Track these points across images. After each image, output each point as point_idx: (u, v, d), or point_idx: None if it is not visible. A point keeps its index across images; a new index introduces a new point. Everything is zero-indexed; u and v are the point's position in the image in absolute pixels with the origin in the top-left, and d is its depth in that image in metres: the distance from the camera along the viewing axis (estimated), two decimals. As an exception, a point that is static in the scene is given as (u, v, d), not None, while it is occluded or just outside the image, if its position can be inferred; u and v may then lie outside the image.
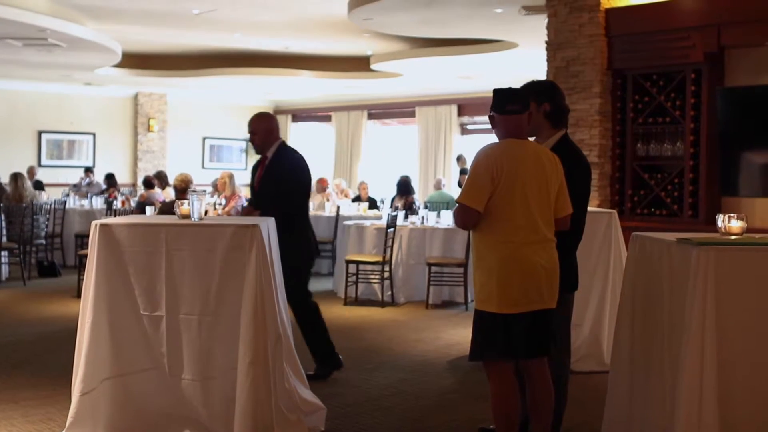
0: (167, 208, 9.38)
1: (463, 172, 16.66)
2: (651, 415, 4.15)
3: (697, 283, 3.72)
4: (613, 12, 9.26)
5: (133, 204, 13.10)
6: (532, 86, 4.97)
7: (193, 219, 5.00)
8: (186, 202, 5.09)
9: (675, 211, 8.96)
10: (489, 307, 4.33)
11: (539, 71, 10.22)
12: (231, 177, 12.24)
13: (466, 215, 4.37)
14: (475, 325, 4.43)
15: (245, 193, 12.85)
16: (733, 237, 4.11)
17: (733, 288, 3.72)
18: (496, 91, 4.48)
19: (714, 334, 3.70)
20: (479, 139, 18.25)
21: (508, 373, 4.41)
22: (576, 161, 4.82)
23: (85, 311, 4.70)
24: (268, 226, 5.07)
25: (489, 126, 4.59)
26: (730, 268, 3.74)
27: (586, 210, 4.96)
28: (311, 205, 13.95)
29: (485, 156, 4.37)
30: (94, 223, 4.82)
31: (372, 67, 15.58)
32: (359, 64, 16.11)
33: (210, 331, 4.76)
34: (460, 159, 17.92)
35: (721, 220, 4.24)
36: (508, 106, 4.41)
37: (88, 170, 17.92)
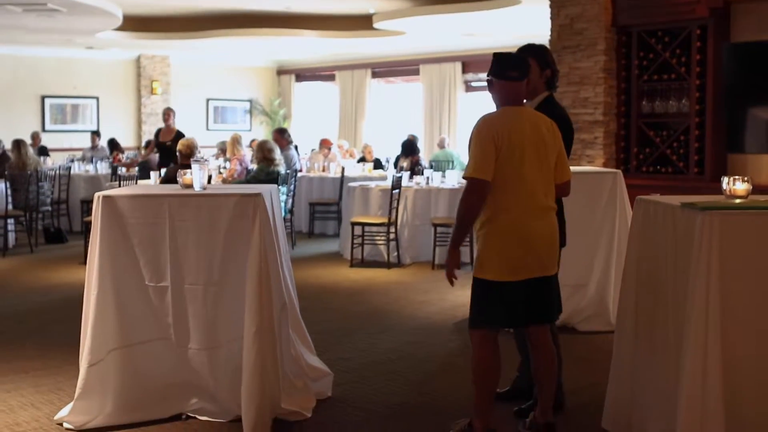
0: (172, 175, 9.37)
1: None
2: (656, 377, 4.16)
3: (702, 248, 3.70)
4: (617, -32, 9.17)
5: (136, 170, 13.10)
6: (536, 51, 4.96)
7: (195, 189, 4.99)
8: (189, 171, 5.07)
9: (681, 168, 8.93)
10: (487, 274, 4.31)
11: (543, 28, 10.15)
12: (234, 139, 12.21)
13: (481, 191, 4.23)
14: (474, 293, 4.41)
15: (249, 154, 12.85)
16: (737, 200, 4.09)
17: (737, 252, 3.71)
18: (497, 56, 4.42)
19: (718, 298, 3.70)
20: (484, 96, 18.14)
21: (492, 339, 4.39)
22: (560, 121, 4.82)
23: (91, 283, 4.71)
24: (271, 193, 5.06)
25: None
26: (735, 232, 3.72)
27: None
28: (314, 165, 13.97)
29: (486, 125, 4.32)
30: (96, 194, 4.80)
31: (375, 25, 15.44)
32: (362, 22, 15.97)
33: (215, 301, 4.76)
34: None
35: (725, 183, 4.22)
36: (509, 73, 4.36)
37: (95, 134, 17.85)
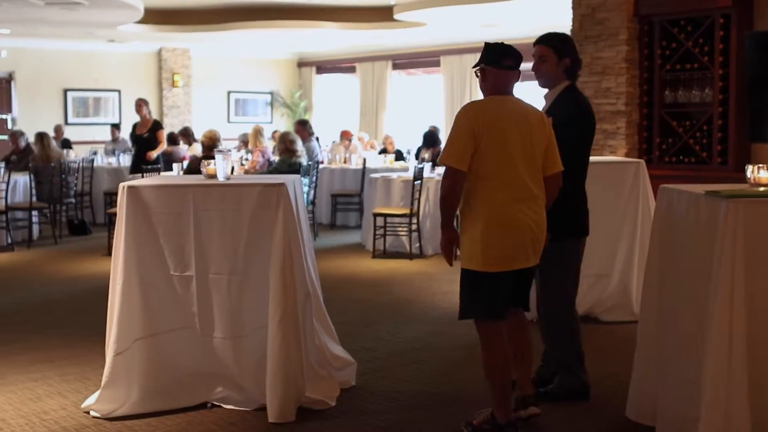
0: (195, 165, 9.42)
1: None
2: (680, 366, 4.15)
3: (726, 236, 3.69)
4: (639, -44, 9.12)
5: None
6: (553, 39, 4.98)
7: (219, 179, 5.02)
8: (212, 161, 5.10)
9: (704, 158, 8.89)
10: (474, 265, 4.29)
11: (564, 18, 10.11)
12: (256, 131, 12.24)
13: (454, 178, 4.24)
14: (462, 284, 4.40)
15: (271, 146, 12.89)
16: (762, 188, 4.07)
17: (762, 240, 3.69)
18: (490, 45, 4.43)
19: (743, 286, 3.69)
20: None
21: (497, 328, 4.40)
22: (576, 109, 4.86)
23: (116, 273, 4.75)
24: (294, 183, 5.08)
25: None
26: (760, 220, 3.70)
27: (585, 152, 4.95)
28: (335, 157, 13.98)
29: (466, 114, 4.31)
30: (121, 185, 4.85)
31: (395, 17, 15.44)
32: (383, 14, 15.97)
33: (240, 290, 4.80)
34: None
35: (750, 171, 4.21)
36: (505, 61, 4.37)
37: (115, 127, 17.93)
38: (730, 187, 4.17)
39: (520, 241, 4.26)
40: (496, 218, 4.24)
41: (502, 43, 4.46)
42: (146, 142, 12.49)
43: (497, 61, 4.37)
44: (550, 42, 4.95)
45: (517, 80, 4.44)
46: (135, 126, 13.05)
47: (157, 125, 12.69)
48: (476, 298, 4.33)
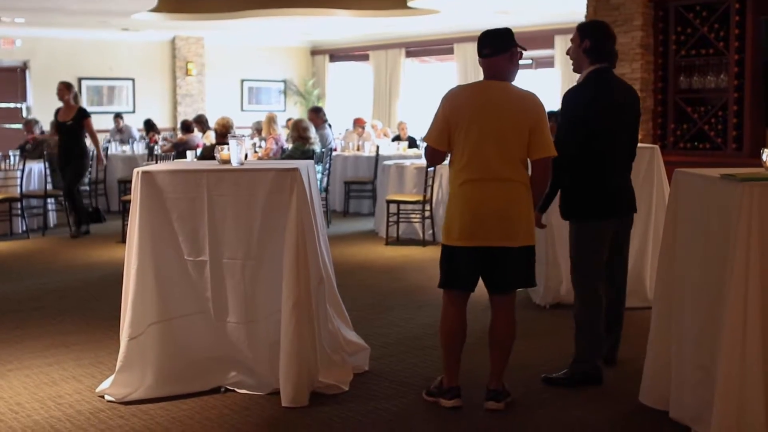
0: (208, 153, 9.43)
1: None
2: (693, 352, 4.14)
3: (741, 219, 3.68)
4: (654, -59, 9.06)
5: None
6: (586, 22, 5.25)
7: (233, 164, 5.03)
8: (226, 147, 5.11)
9: (719, 144, 8.84)
10: (442, 238, 4.64)
11: (578, 5, 10.06)
12: (270, 118, 12.24)
13: (427, 153, 4.70)
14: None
15: (284, 134, 12.89)
16: (777, 172, 4.05)
17: (777, 223, 3.68)
18: (480, 35, 4.68)
19: (758, 270, 3.68)
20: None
21: (456, 300, 4.69)
22: (573, 96, 5.00)
23: (130, 258, 4.77)
24: (308, 169, 5.08)
25: (528, 61, 4.65)
26: (775, 203, 3.69)
27: (588, 139, 4.96)
28: (348, 144, 13.97)
29: (444, 97, 4.64)
30: (136, 170, 4.86)
31: (409, 4, 15.38)
32: (396, 1, 15.89)
33: (253, 275, 4.81)
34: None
35: (765, 155, 4.19)
36: (482, 50, 4.66)
37: (118, 117, 17.81)
38: (746, 170, 4.15)
39: (475, 220, 4.46)
40: (455, 196, 4.54)
41: (488, 30, 4.73)
42: (70, 131, 11.08)
43: (479, 51, 4.67)
44: (580, 25, 5.16)
45: (506, 65, 4.64)
46: (57, 112, 11.51)
47: (83, 113, 11.20)
48: (441, 267, 4.67)
